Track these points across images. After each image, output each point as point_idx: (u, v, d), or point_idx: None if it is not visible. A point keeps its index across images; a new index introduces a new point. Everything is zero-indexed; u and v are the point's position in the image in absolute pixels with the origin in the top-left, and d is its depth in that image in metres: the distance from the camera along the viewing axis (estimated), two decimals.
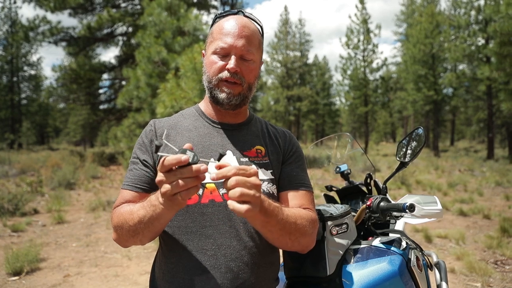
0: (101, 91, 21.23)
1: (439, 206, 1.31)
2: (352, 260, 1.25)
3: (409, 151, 1.49)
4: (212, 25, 1.14)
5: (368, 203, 1.37)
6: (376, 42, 31.56)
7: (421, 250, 1.45)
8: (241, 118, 1.18)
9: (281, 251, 1.21)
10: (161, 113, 6.55)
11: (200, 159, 0.74)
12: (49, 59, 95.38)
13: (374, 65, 28.26)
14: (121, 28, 18.74)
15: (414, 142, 1.50)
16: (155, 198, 0.85)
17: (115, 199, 7.09)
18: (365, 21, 27.41)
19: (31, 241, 4.58)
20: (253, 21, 1.12)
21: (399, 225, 1.51)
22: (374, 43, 27.96)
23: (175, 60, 8.07)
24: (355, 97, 28.60)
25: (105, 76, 21.66)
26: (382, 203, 1.34)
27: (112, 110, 19.59)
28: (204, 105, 1.20)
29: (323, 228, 1.21)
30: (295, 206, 1.08)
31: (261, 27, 1.15)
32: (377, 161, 16.26)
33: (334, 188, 1.76)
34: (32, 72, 31.44)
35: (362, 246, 1.33)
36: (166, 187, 0.74)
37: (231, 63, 1.03)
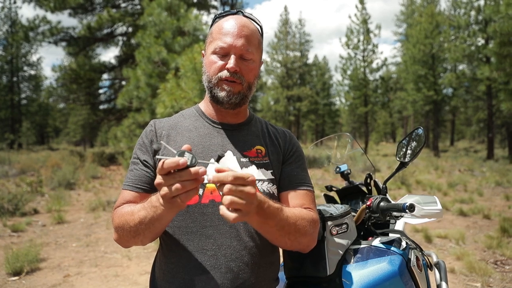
0: (101, 91, 21.25)
1: (439, 206, 1.31)
2: (352, 260, 1.25)
3: (409, 151, 1.49)
4: (211, 25, 1.15)
5: (368, 203, 1.37)
6: (376, 42, 31.53)
7: (421, 250, 1.45)
8: (241, 118, 1.18)
9: (281, 251, 1.21)
10: (161, 113, 6.55)
11: (199, 161, 0.74)
12: (49, 59, 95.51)
13: (374, 65, 28.30)
14: (121, 28, 18.76)
15: (414, 142, 1.50)
16: (156, 199, 0.85)
17: (115, 199, 7.05)
18: (365, 21, 27.42)
19: (31, 241, 4.58)
20: (252, 21, 1.12)
21: (399, 225, 1.51)
22: (374, 43, 27.99)
23: (175, 60, 8.08)
24: (355, 97, 28.61)
25: (105, 76, 21.71)
26: (382, 203, 1.34)
27: (112, 110, 19.60)
28: (204, 105, 1.20)
29: (323, 228, 1.21)
30: (296, 206, 1.08)
31: (260, 27, 1.15)
32: (377, 161, 16.27)
33: (334, 188, 1.76)
34: (32, 72, 31.49)
35: (362, 246, 1.33)
36: (165, 190, 0.74)
37: (231, 62, 1.04)
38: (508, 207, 6.87)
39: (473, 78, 21.01)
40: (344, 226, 1.25)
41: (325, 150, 2.06)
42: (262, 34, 1.16)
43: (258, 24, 1.15)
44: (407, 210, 1.19)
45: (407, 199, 1.33)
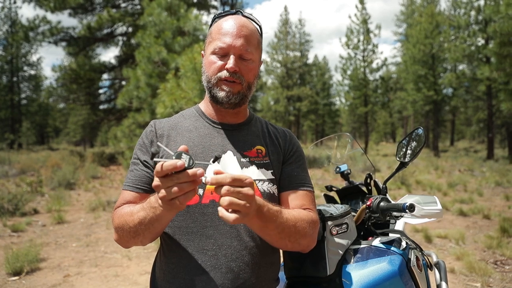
0: (101, 91, 21.26)
1: (439, 206, 1.31)
2: (352, 260, 1.25)
3: (409, 151, 1.49)
4: (211, 25, 1.14)
5: (368, 203, 1.37)
6: (376, 42, 31.53)
7: (421, 250, 1.45)
8: (241, 118, 1.18)
9: (281, 251, 1.21)
10: (161, 113, 6.55)
11: (197, 162, 0.74)
12: (49, 59, 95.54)
13: (374, 65, 28.30)
14: (121, 28, 18.77)
15: (414, 142, 1.50)
16: (155, 200, 0.85)
17: (115, 199, 7.06)
18: (365, 21, 27.42)
19: (31, 241, 4.58)
20: (251, 21, 1.12)
21: (399, 225, 1.51)
22: (374, 43, 28.00)
23: (175, 60, 8.08)
24: (355, 97, 28.62)
25: (105, 76, 21.72)
26: (382, 203, 1.34)
27: (112, 110, 19.60)
28: (204, 105, 1.20)
29: (323, 228, 1.21)
30: (296, 206, 1.08)
31: (260, 26, 1.15)
32: (377, 161, 16.26)
33: (334, 188, 1.76)
34: (32, 72, 31.48)
35: (362, 246, 1.33)
36: (163, 192, 0.74)
37: (230, 62, 1.03)
38: (508, 207, 6.87)
39: (473, 78, 21.01)
40: (344, 226, 1.25)
41: (325, 150, 2.06)
42: (261, 34, 1.16)
43: (258, 24, 1.14)
44: (407, 210, 1.19)
45: (407, 199, 1.33)
